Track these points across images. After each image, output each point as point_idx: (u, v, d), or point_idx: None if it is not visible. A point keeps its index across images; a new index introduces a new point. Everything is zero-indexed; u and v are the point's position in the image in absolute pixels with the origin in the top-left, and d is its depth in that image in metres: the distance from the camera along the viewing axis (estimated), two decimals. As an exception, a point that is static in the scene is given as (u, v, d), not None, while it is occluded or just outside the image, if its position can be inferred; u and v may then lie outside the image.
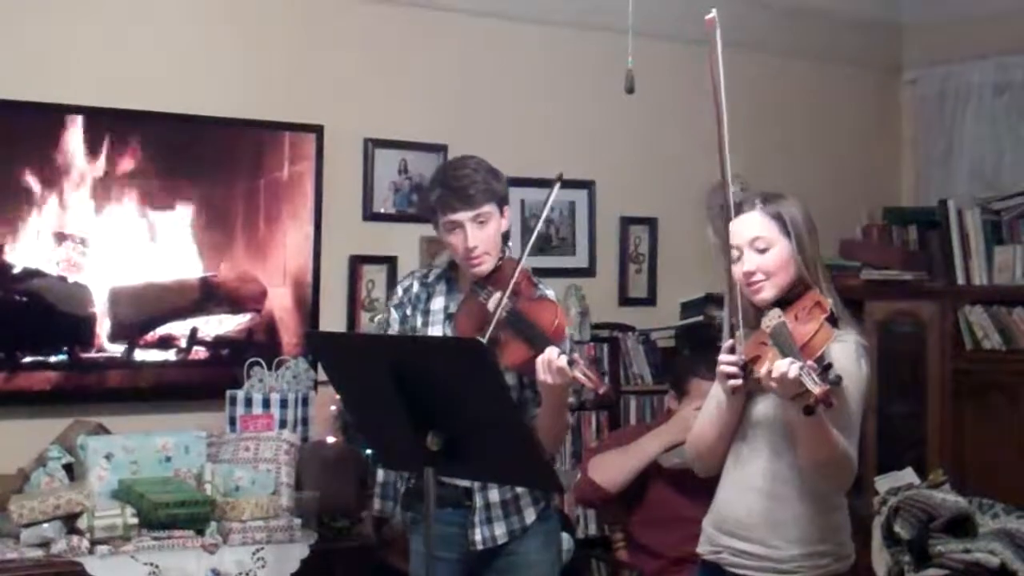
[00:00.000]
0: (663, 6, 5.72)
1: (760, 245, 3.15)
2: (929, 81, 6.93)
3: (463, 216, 3.52)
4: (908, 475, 5.62)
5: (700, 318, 6.10)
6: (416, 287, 3.72)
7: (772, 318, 3.00)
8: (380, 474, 3.83)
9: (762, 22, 6.40)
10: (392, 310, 3.74)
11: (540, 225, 3.66)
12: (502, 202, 3.60)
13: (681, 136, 6.27)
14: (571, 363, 3.23)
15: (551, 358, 3.25)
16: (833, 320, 3.01)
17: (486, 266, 3.54)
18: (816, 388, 2.75)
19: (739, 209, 3.22)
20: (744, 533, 3.21)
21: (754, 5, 6.34)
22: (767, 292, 3.11)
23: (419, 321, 3.66)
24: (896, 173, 7.11)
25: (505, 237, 3.65)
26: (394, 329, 3.69)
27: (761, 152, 6.42)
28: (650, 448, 4.54)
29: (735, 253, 3.18)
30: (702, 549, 3.35)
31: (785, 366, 2.83)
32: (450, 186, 3.55)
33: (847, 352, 3.07)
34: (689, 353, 5.65)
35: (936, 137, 6.88)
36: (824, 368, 2.78)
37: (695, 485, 4.40)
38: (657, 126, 6.18)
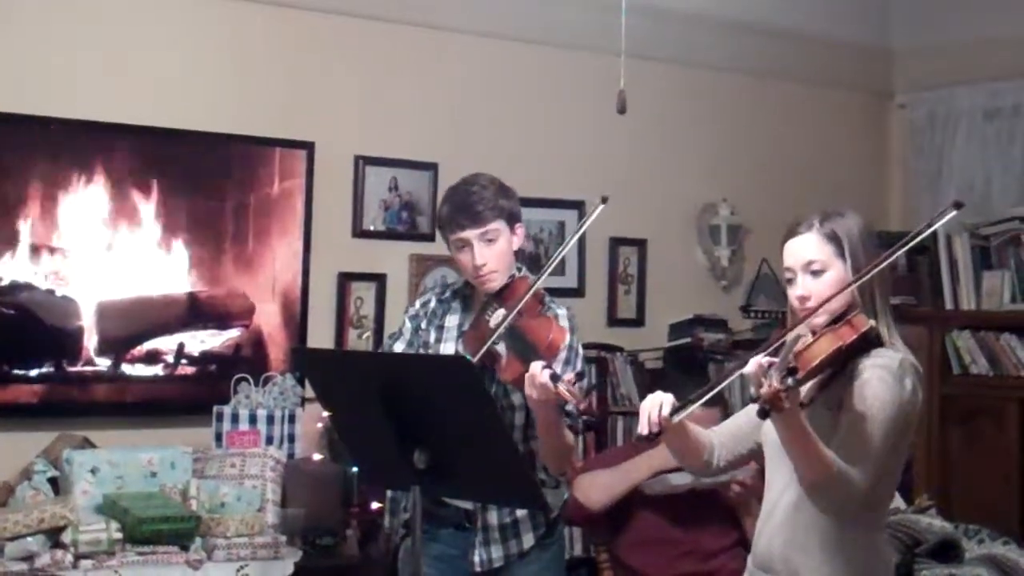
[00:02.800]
0: (655, 28, 5.76)
1: (815, 268, 3.03)
2: (919, 106, 6.96)
3: (470, 234, 3.51)
4: (894, 499, 5.62)
5: (688, 340, 6.11)
6: (434, 303, 3.71)
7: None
8: (390, 490, 3.78)
9: (754, 47, 6.42)
10: (407, 320, 3.72)
11: (564, 248, 3.61)
12: (512, 219, 3.58)
13: (672, 158, 6.30)
14: (555, 378, 3.23)
15: (534, 373, 3.25)
16: (868, 341, 2.89)
17: (495, 284, 3.53)
18: (765, 388, 2.65)
19: (795, 229, 3.10)
20: (773, 565, 3.09)
21: (745, 30, 6.36)
22: (819, 318, 2.96)
23: (432, 336, 3.65)
24: (885, 197, 7.13)
25: (518, 254, 3.63)
26: (405, 338, 3.67)
27: (751, 175, 6.46)
28: (637, 472, 4.51)
29: (788, 275, 3.08)
30: None
31: (752, 366, 2.76)
32: (458, 204, 3.54)
33: (879, 370, 2.94)
34: (678, 374, 5.65)
35: (926, 161, 6.90)
36: (790, 371, 2.66)
37: (680, 511, 4.41)
38: (648, 147, 6.19)
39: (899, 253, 2.97)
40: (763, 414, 2.70)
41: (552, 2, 5.85)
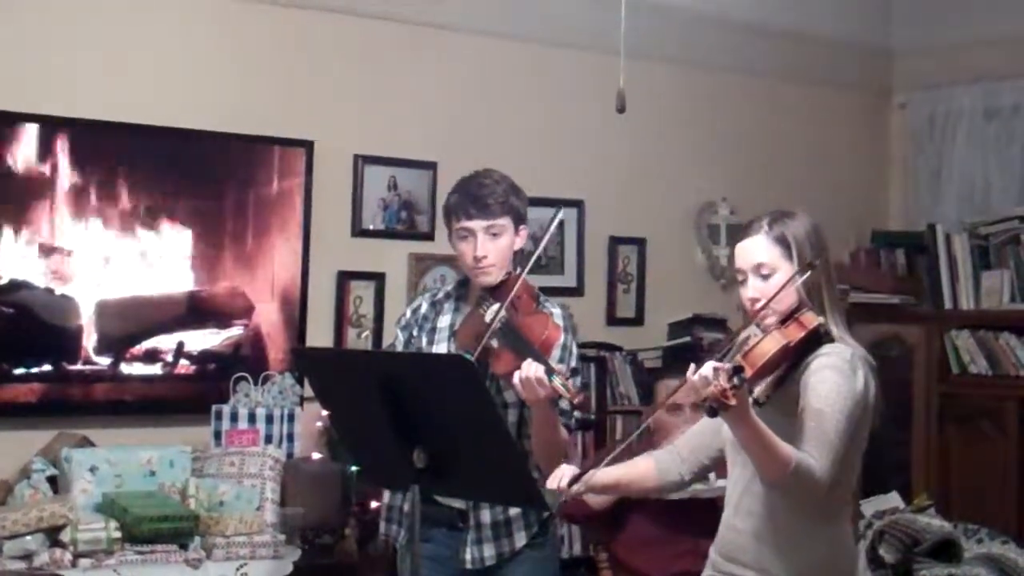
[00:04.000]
0: (655, 27, 5.74)
1: (764, 271, 3.10)
2: (919, 105, 6.96)
3: (477, 224, 3.52)
4: (893, 499, 5.63)
5: (687, 339, 6.11)
6: (425, 307, 3.72)
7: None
8: (386, 496, 3.76)
9: (754, 46, 6.42)
10: (398, 332, 3.74)
11: (541, 247, 3.65)
12: (519, 219, 3.60)
13: (671, 157, 6.29)
14: (550, 373, 3.23)
15: (528, 368, 3.26)
16: (817, 337, 2.98)
17: (492, 278, 3.54)
18: (711, 387, 2.70)
19: (746, 231, 3.17)
20: (738, 556, 3.16)
21: (746, 29, 6.36)
22: (769, 318, 3.05)
23: (424, 340, 3.66)
24: (885, 197, 7.13)
25: (516, 255, 3.64)
26: (398, 350, 3.68)
27: (751, 174, 6.46)
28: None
29: (739, 276, 3.16)
30: (705, 575, 3.32)
31: (698, 370, 2.82)
32: (469, 193, 3.56)
33: (830, 363, 3.00)
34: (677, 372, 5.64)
35: (925, 161, 6.90)
36: (735, 370, 2.71)
37: (679, 512, 4.40)
38: (647, 146, 6.19)
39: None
40: (711, 412, 2.75)
41: (552, 1, 5.85)
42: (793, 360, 2.99)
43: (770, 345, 2.90)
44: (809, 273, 3.03)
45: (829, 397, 2.95)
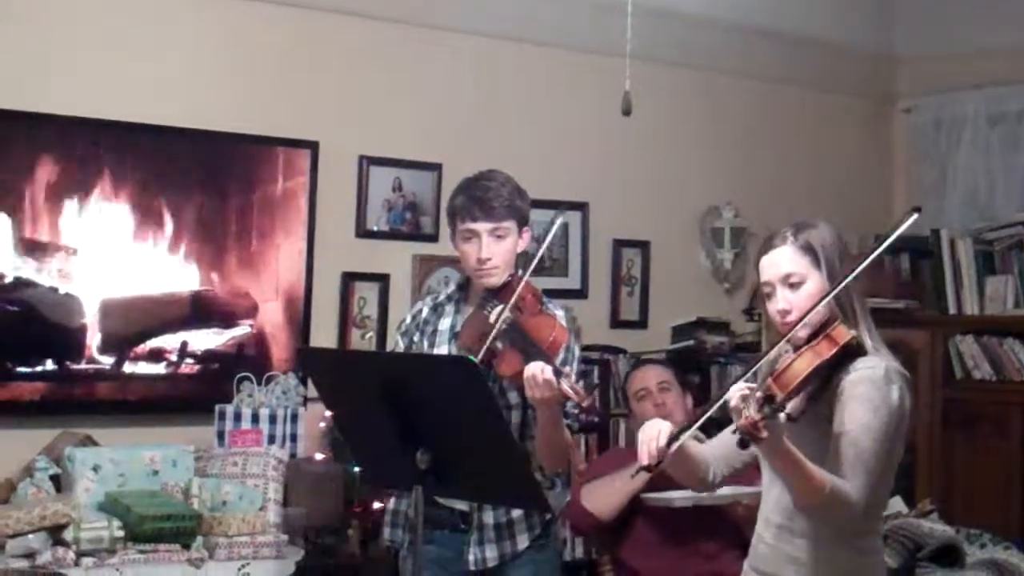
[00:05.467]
0: (661, 30, 5.75)
1: (793, 280, 3.04)
2: (924, 110, 6.95)
3: (481, 226, 3.52)
4: (896, 504, 5.62)
5: (691, 342, 6.11)
6: (426, 311, 3.72)
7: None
8: (391, 502, 3.74)
9: (759, 50, 6.43)
10: (399, 338, 3.74)
11: (543, 249, 3.64)
12: (523, 222, 3.60)
13: (676, 160, 6.30)
14: (558, 375, 3.23)
15: (536, 371, 3.25)
16: (850, 352, 2.89)
17: (494, 279, 3.54)
18: (742, 418, 2.64)
19: (769, 244, 3.11)
20: (768, 569, 3.13)
21: (751, 33, 6.37)
22: (801, 331, 2.96)
23: (425, 344, 3.65)
24: (889, 202, 7.12)
25: (519, 258, 3.64)
26: None
27: (755, 178, 6.46)
28: (641, 477, 4.50)
29: (766, 289, 3.09)
30: None
31: (734, 391, 2.76)
32: (474, 195, 3.55)
33: (864, 378, 2.94)
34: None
35: (930, 166, 6.89)
36: (768, 398, 2.66)
37: (682, 519, 4.39)
38: (652, 149, 6.19)
39: (872, 258, 2.95)
40: (743, 444, 2.70)
41: (558, 3, 5.85)
42: (826, 375, 2.90)
43: (802, 366, 2.83)
44: (844, 282, 2.94)
45: (864, 417, 2.91)
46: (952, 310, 6.34)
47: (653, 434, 2.94)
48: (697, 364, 6.00)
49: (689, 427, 2.95)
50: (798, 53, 6.59)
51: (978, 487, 6.05)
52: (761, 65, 6.49)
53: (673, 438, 2.93)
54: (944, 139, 6.85)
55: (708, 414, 2.99)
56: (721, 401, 2.91)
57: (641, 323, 6.24)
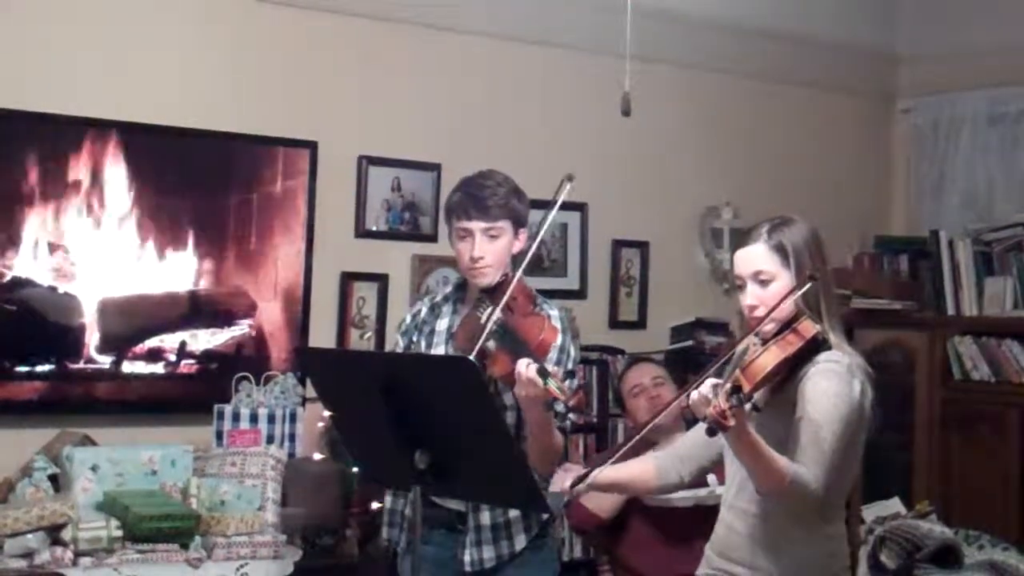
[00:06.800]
0: (660, 30, 5.75)
1: (763, 278, 3.14)
2: (923, 111, 6.95)
3: (475, 225, 3.53)
4: (895, 505, 5.63)
5: (690, 342, 6.11)
6: (424, 312, 3.73)
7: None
8: (388, 500, 3.75)
9: (758, 50, 6.42)
10: (399, 337, 3.75)
11: (535, 243, 3.64)
12: (519, 223, 3.61)
13: (675, 160, 6.29)
14: (542, 373, 3.23)
15: (521, 369, 3.25)
16: (816, 346, 3.03)
17: (487, 279, 3.54)
18: (711, 408, 2.73)
19: (746, 238, 3.21)
20: (731, 554, 3.21)
21: (751, 34, 6.36)
22: (768, 325, 3.08)
23: (423, 344, 3.66)
24: (888, 202, 7.13)
25: (515, 259, 3.63)
26: None
27: (754, 178, 6.45)
28: None
29: (738, 282, 3.19)
30: (700, 572, 3.34)
31: (704, 387, 2.85)
32: (470, 193, 3.57)
33: (827, 371, 3.04)
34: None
35: (929, 167, 6.89)
36: (734, 390, 2.75)
37: (680, 518, 4.39)
38: (651, 150, 6.19)
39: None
40: (711, 432, 2.80)
41: (557, 3, 5.85)
42: (791, 367, 3.03)
43: (769, 359, 2.96)
44: (808, 286, 3.04)
45: (825, 407, 3.00)
46: (951, 311, 6.34)
47: (559, 479, 3.33)
48: (696, 364, 5.99)
49: (596, 468, 3.31)
50: (798, 53, 6.59)
51: (976, 488, 6.05)
52: (760, 65, 6.49)
53: (578, 480, 3.29)
54: (943, 139, 6.86)
55: (628, 445, 3.32)
56: (675, 403, 3.17)
57: (640, 323, 6.24)
